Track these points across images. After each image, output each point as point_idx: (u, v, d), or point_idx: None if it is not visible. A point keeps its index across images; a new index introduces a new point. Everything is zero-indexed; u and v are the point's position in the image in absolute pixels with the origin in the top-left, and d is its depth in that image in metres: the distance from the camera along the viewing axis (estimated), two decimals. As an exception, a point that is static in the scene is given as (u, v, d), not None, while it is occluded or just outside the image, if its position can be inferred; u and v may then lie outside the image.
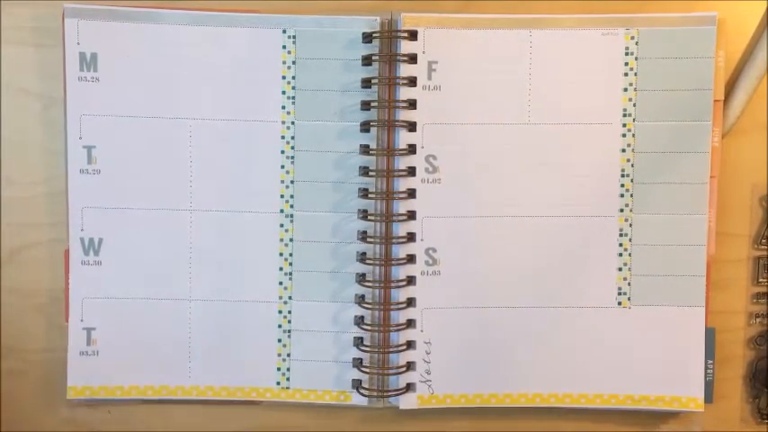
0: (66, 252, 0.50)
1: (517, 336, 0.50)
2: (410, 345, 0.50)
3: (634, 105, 0.49)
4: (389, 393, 0.50)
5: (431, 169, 0.50)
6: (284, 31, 0.49)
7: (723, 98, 0.50)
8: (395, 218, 0.50)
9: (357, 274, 0.50)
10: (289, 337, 0.51)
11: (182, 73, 0.49)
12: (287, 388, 0.51)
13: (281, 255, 0.50)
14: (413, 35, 0.49)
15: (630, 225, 0.50)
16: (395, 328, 0.50)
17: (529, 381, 0.50)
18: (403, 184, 0.50)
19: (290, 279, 0.51)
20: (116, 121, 0.50)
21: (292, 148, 0.50)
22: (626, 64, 0.49)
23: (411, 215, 0.50)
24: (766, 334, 0.51)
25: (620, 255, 0.50)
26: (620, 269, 0.50)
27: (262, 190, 0.50)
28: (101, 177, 0.50)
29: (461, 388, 0.50)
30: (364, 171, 0.49)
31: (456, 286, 0.50)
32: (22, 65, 0.51)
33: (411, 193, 0.50)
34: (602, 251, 0.50)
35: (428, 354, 0.50)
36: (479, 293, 0.50)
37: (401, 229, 0.50)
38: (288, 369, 0.51)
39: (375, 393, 0.50)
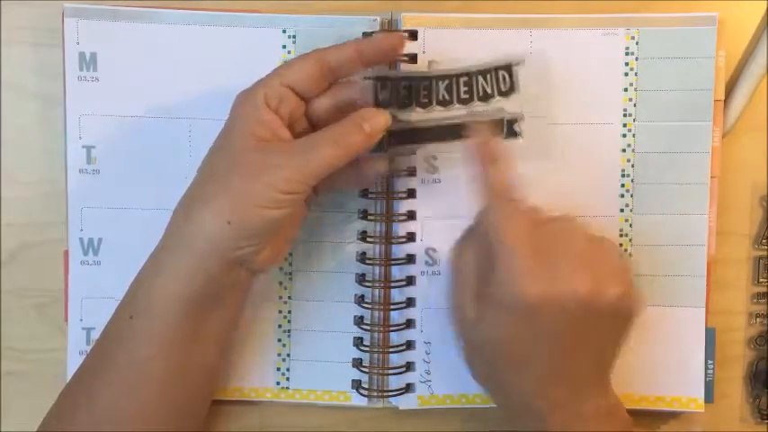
0: (66, 252, 0.50)
1: (517, 336, 0.50)
2: (410, 345, 0.50)
3: (634, 105, 0.49)
4: (389, 393, 0.50)
5: (431, 169, 0.50)
6: (284, 31, 0.49)
7: (723, 98, 0.49)
8: (395, 218, 0.50)
9: (357, 274, 0.50)
10: (289, 337, 0.51)
11: (182, 73, 0.49)
12: (287, 388, 0.51)
13: (280, 255, 0.50)
14: (413, 35, 0.49)
15: (630, 225, 0.50)
16: (395, 328, 0.50)
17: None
18: (403, 184, 0.50)
19: (290, 279, 0.51)
20: (116, 121, 0.50)
21: (292, 147, 0.50)
22: (626, 64, 0.49)
23: (411, 215, 0.50)
24: (766, 334, 0.51)
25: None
26: (620, 269, 0.50)
27: (262, 190, 0.50)
28: (100, 177, 0.50)
29: (461, 388, 0.50)
30: (364, 171, 0.49)
31: (456, 286, 0.50)
32: (22, 65, 0.51)
33: (411, 193, 0.50)
34: (603, 251, 0.50)
35: (428, 354, 0.50)
36: (479, 293, 0.50)
37: (401, 229, 0.50)
38: (288, 369, 0.51)
39: (375, 393, 0.50)
